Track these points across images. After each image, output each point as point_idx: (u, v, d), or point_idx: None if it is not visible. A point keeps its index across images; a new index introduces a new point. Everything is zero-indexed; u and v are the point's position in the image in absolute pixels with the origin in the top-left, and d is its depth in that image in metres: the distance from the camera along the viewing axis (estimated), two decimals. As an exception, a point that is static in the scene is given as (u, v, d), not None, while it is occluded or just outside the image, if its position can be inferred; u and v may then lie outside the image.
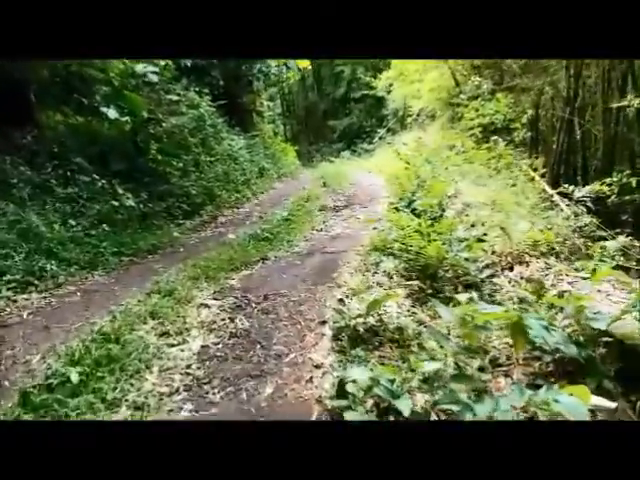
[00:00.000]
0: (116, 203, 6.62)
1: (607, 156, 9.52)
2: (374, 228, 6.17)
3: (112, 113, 7.40)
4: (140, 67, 7.94)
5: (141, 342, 3.29)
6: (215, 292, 4.38)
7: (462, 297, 2.87)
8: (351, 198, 10.09)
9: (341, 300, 3.57)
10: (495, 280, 4.20)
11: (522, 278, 4.07)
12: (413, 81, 15.93)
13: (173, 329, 3.55)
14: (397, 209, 6.34)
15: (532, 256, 4.34)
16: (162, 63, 8.67)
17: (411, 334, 3.38)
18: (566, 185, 6.67)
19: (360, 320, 3.43)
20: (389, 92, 20.35)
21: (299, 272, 5.01)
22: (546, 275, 4.03)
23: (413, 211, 6.00)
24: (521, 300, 3.84)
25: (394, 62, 17.44)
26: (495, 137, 8.92)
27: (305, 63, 15.74)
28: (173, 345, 3.36)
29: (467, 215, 5.73)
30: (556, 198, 6.93)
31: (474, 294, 3.52)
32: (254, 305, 4.07)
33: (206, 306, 4.04)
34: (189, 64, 10.61)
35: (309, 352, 3.26)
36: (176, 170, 8.72)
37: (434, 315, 3.78)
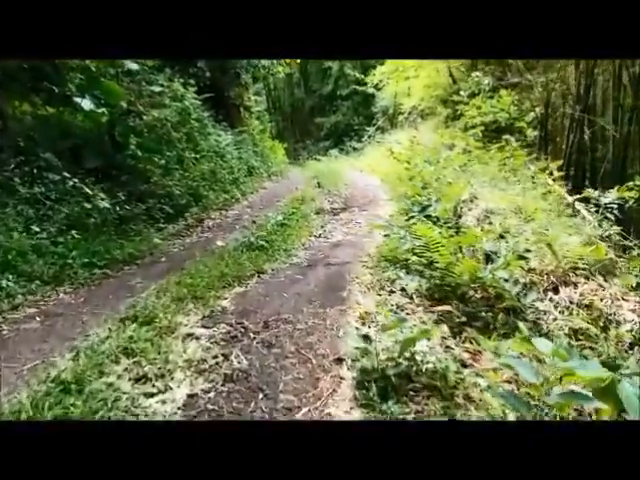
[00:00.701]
0: (88, 205, 5.81)
1: (618, 158, 8.98)
2: (386, 235, 5.49)
3: (87, 103, 6.61)
4: (118, 53, 7.14)
5: (111, 392, 2.56)
6: (204, 317, 3.65)
7: (543, 346, 2.09)
8: (348, 200, 9.44)
9: (366, 337, 2.87)
10: (537, 304, 3.55)
11: (572, 303, 3.42)
12: (408, 77, 15.24)
13: (153, 371, 2.81)
14: (407, 214, 5.67)
15: (579, 275, 3.68)
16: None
17: (452, 379, 2.71)
18: (590, 190, 6.07)
19: (390, 363, 2.75)
20: (379, 89, 19.69)
21: (302, 289, 4.31)
22: (601, 299, 3.38)
23: (426, 217, 5.33)
24: (576, 332, 3.20)
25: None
26: (507, 136, 8.30)
27: (294, 57, 15.01)
28: (152, 395, 2.62)
29: (490, 223, 5.07)
30: (577, 204, 6.32)
31: (529, 331, 2.85)
32: (252, 335, 3.36)
33: (194, 337, 3.31)
34: (173, 53, 9.77)
35: (325, 404, 2.57)
36: (158, 168, 7.90)
37: (474, 351, 3.12)
